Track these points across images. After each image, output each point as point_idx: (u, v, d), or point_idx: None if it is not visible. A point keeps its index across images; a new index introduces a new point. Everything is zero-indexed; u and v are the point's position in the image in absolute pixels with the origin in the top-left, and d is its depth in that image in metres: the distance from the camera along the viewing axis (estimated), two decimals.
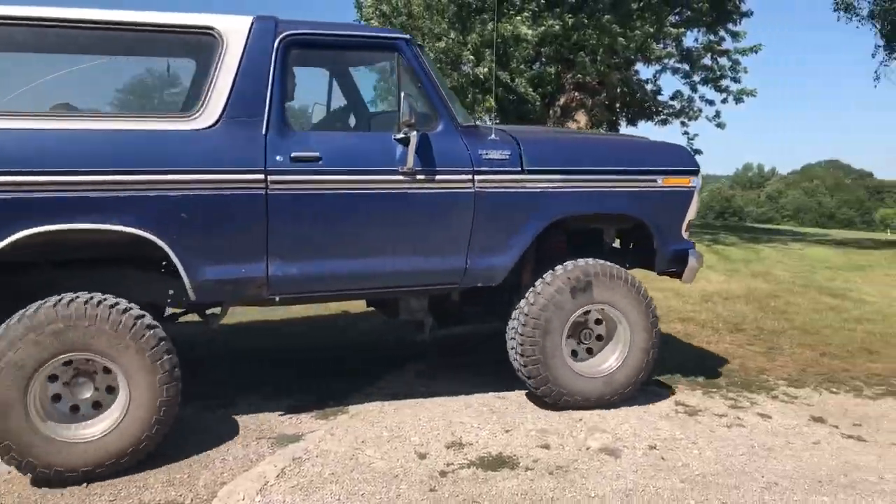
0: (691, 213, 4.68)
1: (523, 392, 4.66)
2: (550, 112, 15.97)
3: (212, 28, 3.81)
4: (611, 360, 4.46)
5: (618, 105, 18.52)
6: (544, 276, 4.37)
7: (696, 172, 4.71)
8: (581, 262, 4.42)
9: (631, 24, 15.09)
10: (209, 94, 3.75)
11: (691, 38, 18.09)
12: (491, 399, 4.61)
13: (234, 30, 3.83)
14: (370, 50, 4.39)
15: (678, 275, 4.73)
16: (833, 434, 4.26)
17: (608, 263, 4.46)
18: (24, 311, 3.40)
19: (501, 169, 4.19)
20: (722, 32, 18.14)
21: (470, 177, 4.12)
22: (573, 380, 4.35)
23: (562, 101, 15.99)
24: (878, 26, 17.26)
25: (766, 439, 4.12)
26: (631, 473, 3.62)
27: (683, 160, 4.75)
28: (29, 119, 3.48)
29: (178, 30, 3.80)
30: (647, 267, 4.78)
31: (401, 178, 3.97)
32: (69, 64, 4.30)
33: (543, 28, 13.64)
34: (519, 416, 4.32)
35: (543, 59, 15.87)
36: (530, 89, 14.80)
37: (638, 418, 4.35)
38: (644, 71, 24.88)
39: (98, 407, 3.54)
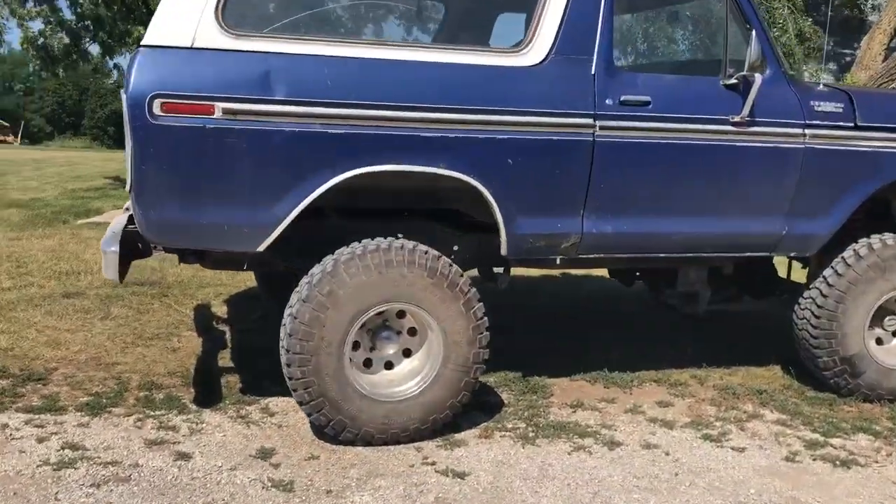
0: None
1: None
2: None
3: None
4: None
5: None
6: (846, 252, 3.93)
7: None
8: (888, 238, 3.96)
9: None
10: (538, 26, 3.38)
11: None
12: None
13: None
14: None
15: None
16: None
17: None
18: (355, 247, 3.14)
19: (834, 123, 3.81)
20: None
21: (801, 130, 3.75)
22: None
23: None
24: None
25: None
26: None
27: None
28: (347, 46, 3.17)
29: None
30: None
31: (729, 128, 3.61)
32: None
33: None
34: None
35: None
36: None
37: None
38: None
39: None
